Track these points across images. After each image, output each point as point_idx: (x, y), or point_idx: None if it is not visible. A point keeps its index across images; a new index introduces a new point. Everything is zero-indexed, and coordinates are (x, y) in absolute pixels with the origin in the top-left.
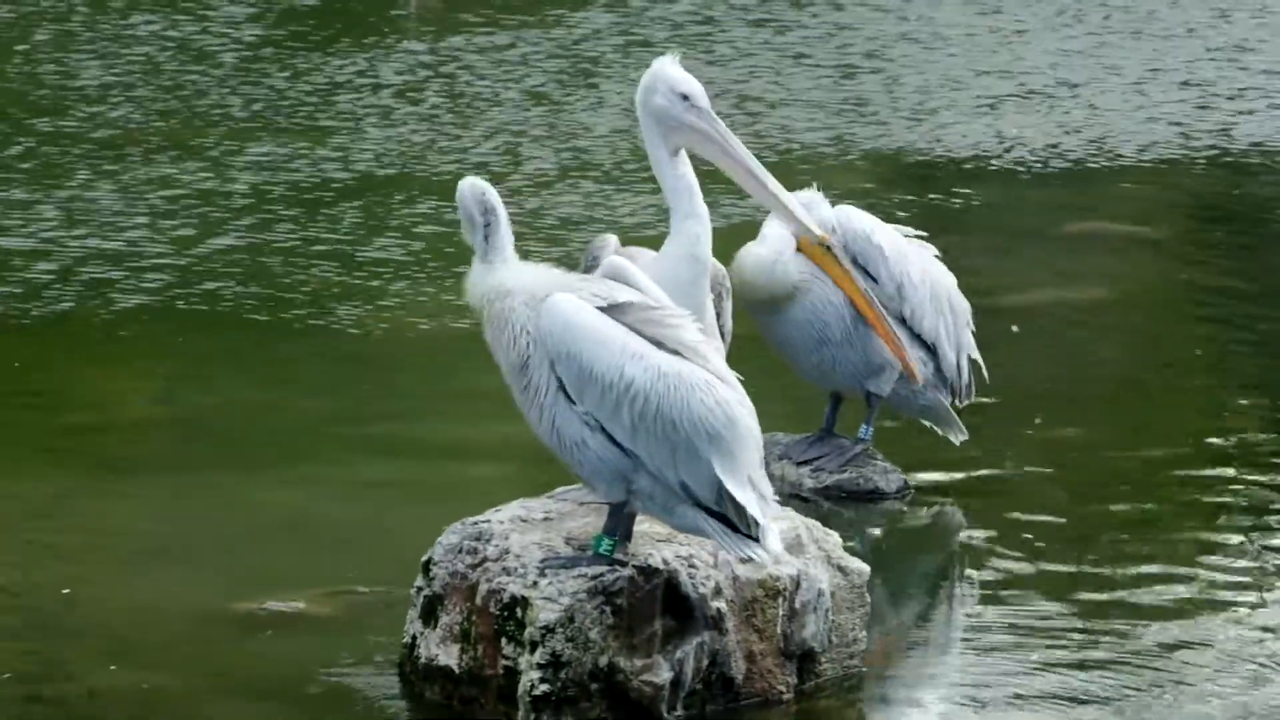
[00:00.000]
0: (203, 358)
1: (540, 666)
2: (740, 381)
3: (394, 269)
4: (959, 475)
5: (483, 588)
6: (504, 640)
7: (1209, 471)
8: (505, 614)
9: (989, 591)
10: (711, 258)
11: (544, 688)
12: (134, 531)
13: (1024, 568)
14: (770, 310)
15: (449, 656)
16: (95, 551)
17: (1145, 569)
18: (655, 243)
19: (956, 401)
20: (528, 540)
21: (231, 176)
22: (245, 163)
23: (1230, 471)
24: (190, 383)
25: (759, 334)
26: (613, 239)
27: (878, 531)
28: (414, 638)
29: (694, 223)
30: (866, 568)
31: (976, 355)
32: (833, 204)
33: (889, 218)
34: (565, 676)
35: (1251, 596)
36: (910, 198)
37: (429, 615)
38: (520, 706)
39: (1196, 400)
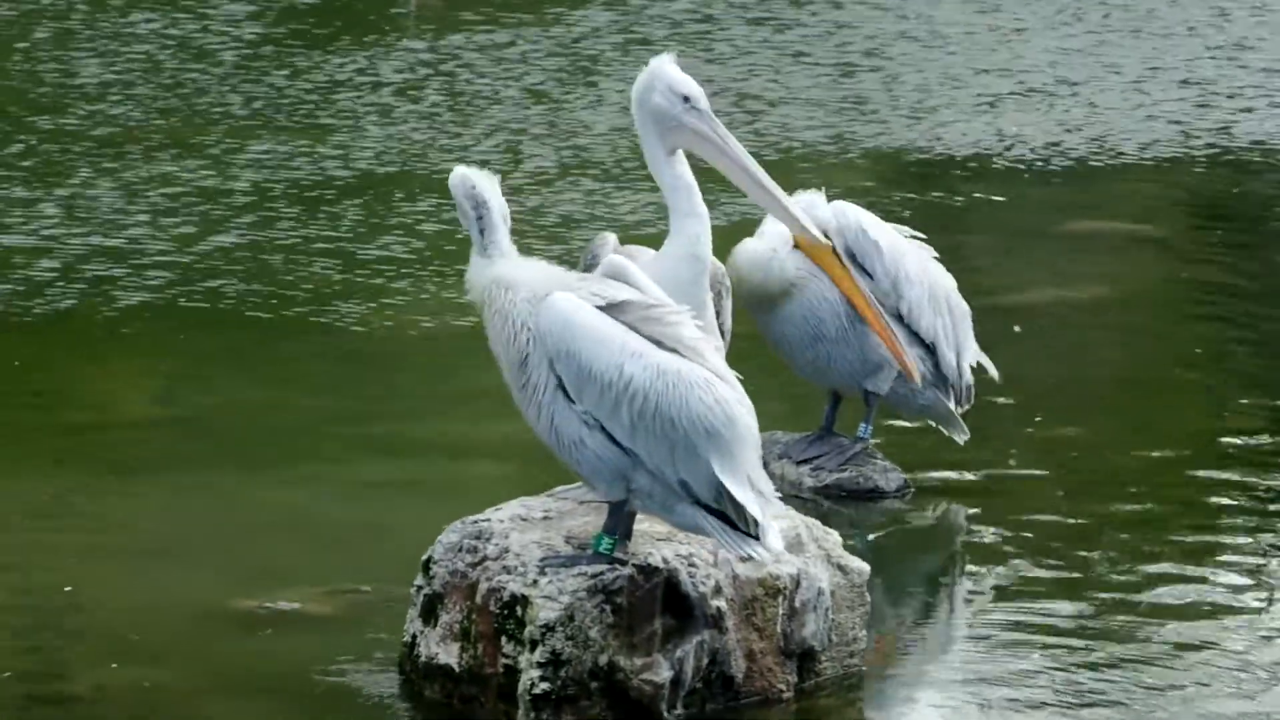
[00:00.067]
0: (203, 356)
1: (540, 665)
2: (740, 380)
3: (395, 267)
4: (959, 474)
5: (483, 586)
6: (504, 639)
7: (1210, 470)
8: (505, 612)
9: (989, 590)
10: (711, 256)
11: (544, 686)
12: (135, 530)
13: (1024, 567)
14: (766, 307)
15: (449, 655)
16: (96, 550)
17: (1146, 568)
18: (656, 241)
19: (957, 405)
20: (528, 539)
21: (232, 174)
22: (246, 161)
23: (1232, 470)
24: (191, 381)
25: (757, 332)
26: (612, 237)
27: (878, 530)
28: (414, 636)
29: (694, 222)
30: (867, 567)
31: (983, 359)
32: (829, 200)
33: (889, 216)
34: (565, 675)
35: (1255, 597)
36: (910, 196)
37: (429, 614)
38: (520, 705)
39: (1198, 399)
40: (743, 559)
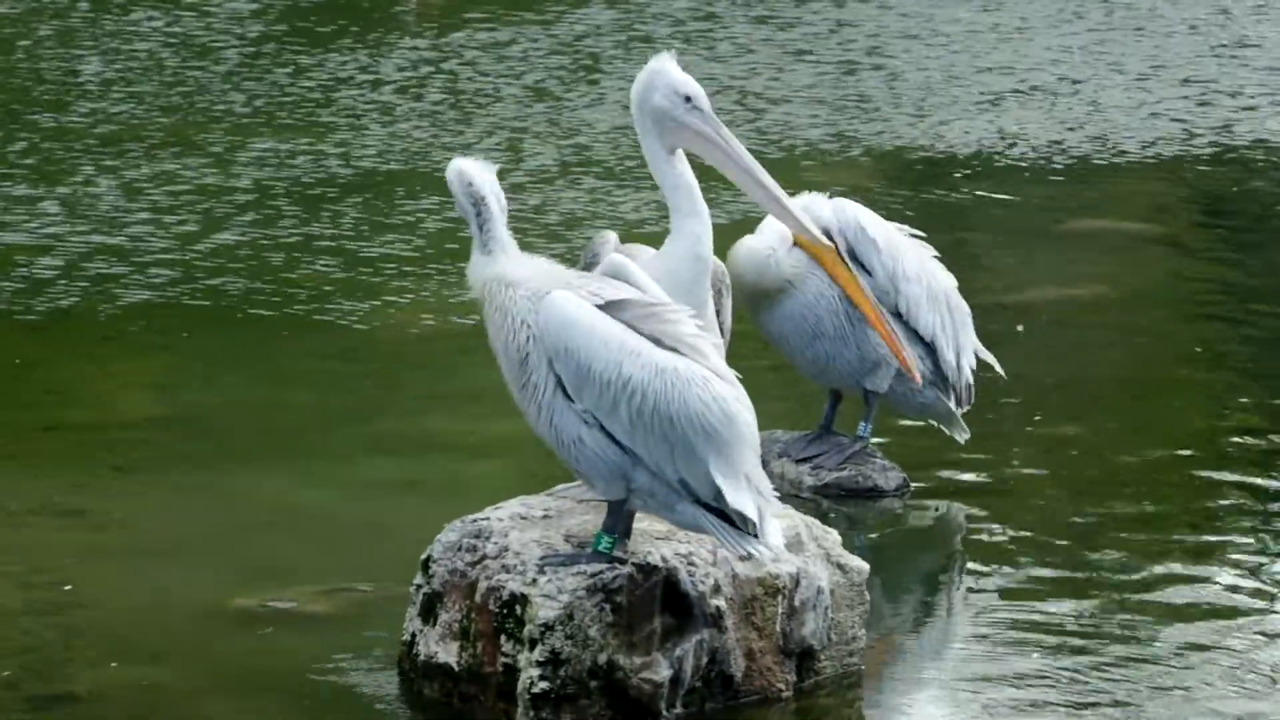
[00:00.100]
0: (204, 354)
1: (539, 664)
2: (739, 379)
3: (396, 266)
4: (959, 473)
5: (482, 585)
6: (503, 638)
7: (1211, 470)
8: (505, 611)
9: (988, 590)
10: (712, 255)
11: (543, 685)
12: (135, 528)
13: (1024, 566)
14: (764, 304)
15: (448, 654)
16: (96, 549)
17: (1146, 568)
18: (657, 239)
19: (958, 405)
20: (527, 538)
21: (234, 172)
22: (248, 159)
23: (1233, 470)
24: (192, 379)
25: (757, 330)
26: (612, 236)
27: (877, 529)
28: (413, 635)
29: (695, 221)
30: (866, 566)
31: (988, 357)
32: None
33: (890, 215)
34: (564, 674)
35: (1256, 596)
36: (912, 194)
37: (428, 613)
38: (519, 704)
39: (1199, 398)
40: (742, 557)
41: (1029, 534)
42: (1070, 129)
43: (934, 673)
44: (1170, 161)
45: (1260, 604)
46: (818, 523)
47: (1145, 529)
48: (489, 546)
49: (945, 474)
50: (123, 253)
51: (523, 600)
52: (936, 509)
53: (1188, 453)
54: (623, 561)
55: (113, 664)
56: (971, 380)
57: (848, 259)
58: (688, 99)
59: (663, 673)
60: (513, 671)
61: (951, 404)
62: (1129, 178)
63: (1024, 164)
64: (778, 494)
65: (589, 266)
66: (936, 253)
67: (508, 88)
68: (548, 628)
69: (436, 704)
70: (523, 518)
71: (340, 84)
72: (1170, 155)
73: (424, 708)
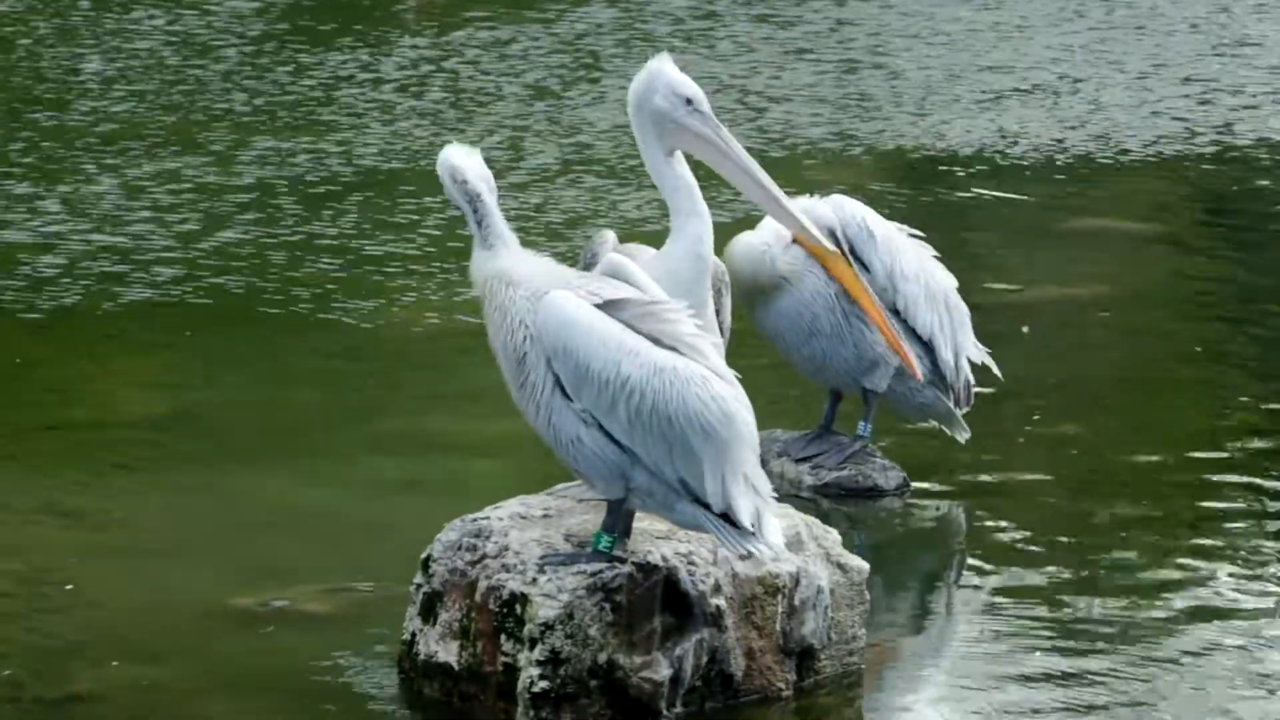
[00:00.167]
0: (206, 353)
1: (539, 663)
2: (738, 378)
3: (398, 264)
4: (958, 472)
5: (482, 584)
6: (503, 637)
7: (1211, 470)
8: (505, 611)
9: (988, 589)
10: (713, 255)
11: (543, 684)
12: (136, 527)
13: (1024, 566)
14: (760, 301)
15: (448, 653)
16: (97, 548)
17: (1146, 568)
18: (658, 237)
19: (957, 405)
20: (527, 537)
21: (235, 171)
22: (249, 158)
23: (1233, 470)
24: (192, 378)
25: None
26: (611, 235)
27: (877, 529)
28: (413, 634)
29: (696, 221)
30: (866, 565)
31: (987, 359)
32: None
33: (892, 213)
34: (564, 673)
35: (1257, 597)
36: (913, 193)
37: (428, 612)
38: (519, 703)
39: (1199, 398)
40: (742, 557)
41: (1029, 534)
42: (1071, 128)
43: (934, 673)
44: (1171, 160)
45: (1262, 605)
46: (818, 522)
47: (1145, 529)
48: (489, 546)
49: (945, 474)
50: (124, 251)
51: (523, 599)
52: (936, 509)
53: (1188, 453)
54: (622, 561)
55: (113, 663)
56: (971, 380)
57: (849, 257)
58: (688, 101)
59: (663, 672)
60: (513, 671)
61: (950, 404)
62: (1130, 177)
63: (1025, 163)
64: (776, 494)
65: (588, 266)
66: (936, 253)
67: (509, 86)
68: (548, 627)
69: (436, 703)
70: (523, 517)
71: (341, 82)
72: (1171, 154)
73: (424, 707)
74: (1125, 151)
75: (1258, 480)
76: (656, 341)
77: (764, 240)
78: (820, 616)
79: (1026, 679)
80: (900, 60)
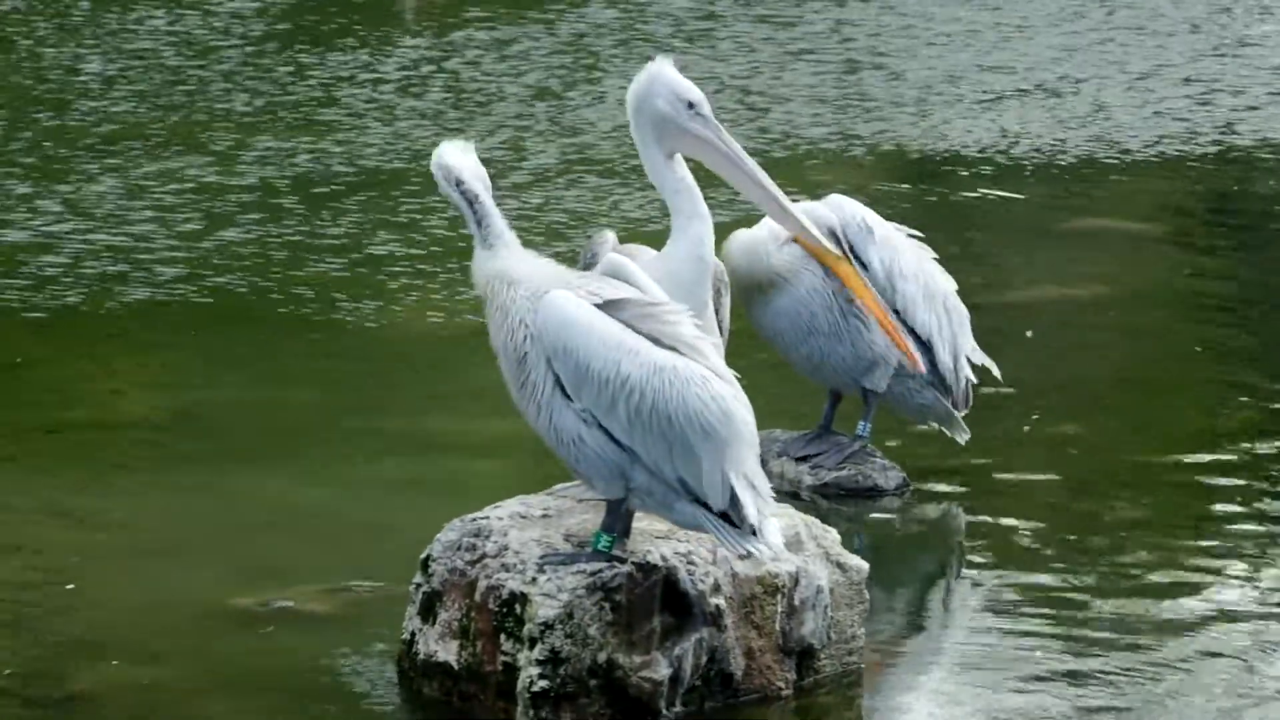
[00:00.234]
0: (207, 353)
1: (539, 663)
2: (738, 378)
3: (398, 264)
4: (958, 472)
5: (482, 584)
6: (503, 636)
7: (1212, 470)
8: (504, 610)
9: (988, 589)
10: (714, 257)
11: (543, 684)
12: (136, 527)
13: (1023, 565)
14: (757, 299)
15: (448, 653)
16: (97, 547)
17: (1146, 568)
18: (660, 237)
19: (956, 407)
20: (527, 537)
21: (236, 171)
22: (250, 157)
23: (1233, 470)
24: (193, 378)
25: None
26: (610, 236)
27: (877, 529)
28: (413, 634)
29: (698, 223)
30: (865, 565)
31: (986, 361)
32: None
33: (892, 213)
34: (564, 673)
35: (1256, 598)
36: (913, 193)
37: (428, 611)
38: (519, 703)
39: (1199, 398)
40: (742, 556)
41: (1029, 534)
42: (1072, 128)
43: (933, 672)
44: (1172, 160)
45: (1262, 607)
46: (817, 522)
47: (1146, 529)
48: (489, 545)
49: (945, 474)
50: (125, 251)
51: (522, 599)
52: (936, 509)
53: (1188, 453)
54: (622, 560)
55: (113, 663)
56: (972, 381)
57: (849, 256)
58: (691, 105)
59: (662, 671)
60: (512, 670)
61: (949, 405)
62: (1131, 177)
63: (1025, 163)
64: (775, 494)
65: (587, 266)
66: (935, 255)
67: (509, 86)
68: (547, 626)
69: (436, 703)
70: (522, 517)
71: (342, 82)
72: (1172, 154)
73: (423, 707)
74: (1126, 152)
75: (1258, 480)
76: (656, 342)
77: (758, 236)
78: (820, 616)
79: (1026, 679)
80: (901, 60)
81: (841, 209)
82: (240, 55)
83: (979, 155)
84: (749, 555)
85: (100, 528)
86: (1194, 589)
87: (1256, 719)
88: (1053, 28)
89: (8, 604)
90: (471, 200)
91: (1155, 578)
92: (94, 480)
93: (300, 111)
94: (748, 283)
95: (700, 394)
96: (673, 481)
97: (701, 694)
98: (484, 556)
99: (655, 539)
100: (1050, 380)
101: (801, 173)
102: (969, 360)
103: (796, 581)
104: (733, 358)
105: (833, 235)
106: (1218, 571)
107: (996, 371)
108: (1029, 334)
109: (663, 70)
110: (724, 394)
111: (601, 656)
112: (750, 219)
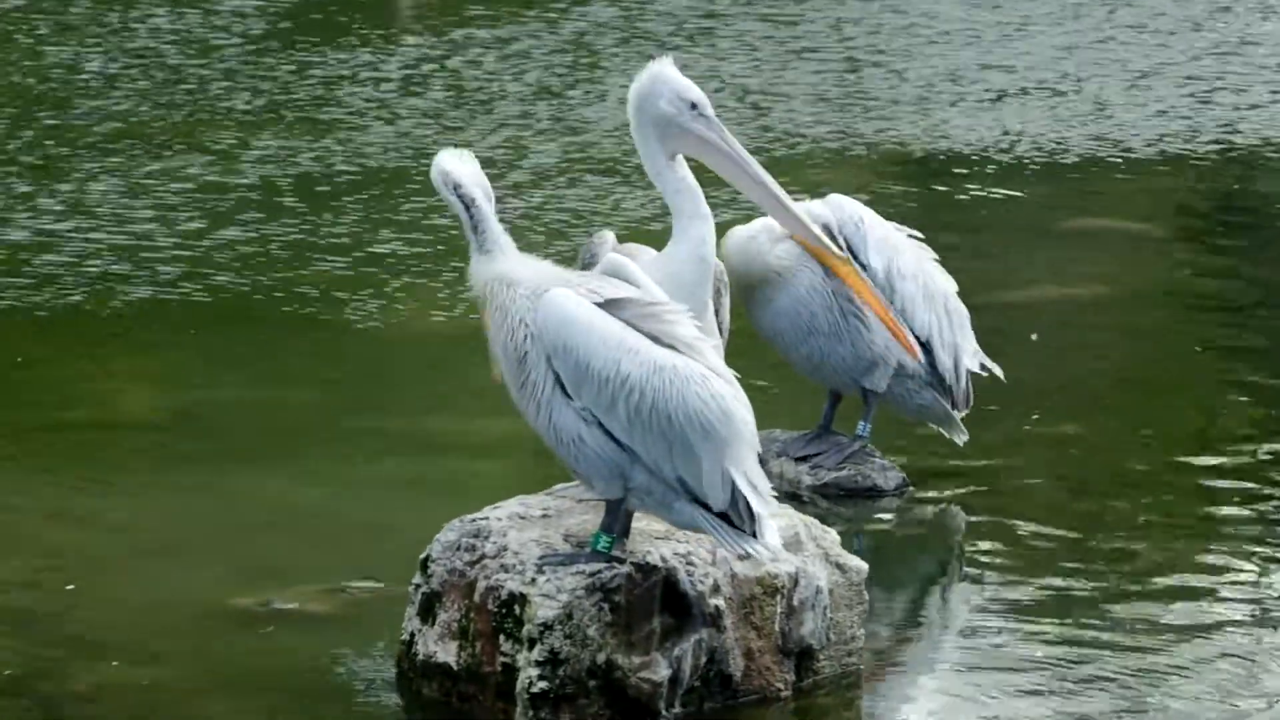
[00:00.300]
0: (207, 352)
1: (538, 663)
2: (737, 378)
3: (399, 263)
4: (958, 473)
5: (481, 585)
6: (502, 637)
7: (1212, 470)
8: (503, 611)
9: (987, 589)
10: (715, 257)
11: (542, 685)
12: (136, 527)
13: (1023, 566)
14: (756, 297)
15: (447, 653)
16: (97, 547)
17: (1146, 569)
18: (660, 236)
19: (955, 409)
20: (526, 537)
21: (237, 170)
22: (251, 156)
23: (1233, 471)
24: (193, 377)
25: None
26: (610, 235)
27: (877, 529)
28: (412, 634)
29: (700, 224)
30: (865, 565)
31: (987, 361)
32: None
33: (892, 212)
34: (563, 673)
35: (1256, 598)
36: (913, 192)
37: (427, 612)
38: (518, 703)
39: (1199, 398)
40: (741, 557)
41: (1028, 534)
42: (1073, 127)
43: (934, 672)
44: (1173, 160)
45: (1262, 607)
46: (816, 522)
47: (1146, 529)
48: (488, 546)
49: (945, 474)
50: (126, 250)
51: (521, 600)
52: (936, 509)
53: (1188, 453)
54: (621, 561)
55: (113, 664)
56: (968, 385)
57: (848, 254)
58: (693, 106)
59: (661, 672)
60: (511, 671)
61: (948, 406)
62: (1132, 176)
63: (1027, 162)
64: (775, 494)
65: (586, 266)
66: (935, 255)
67: (510, 85)
68: (546, 627)
69: (435, 703)
70: (521, 517)
71: (343, 81)
72: (1173, 154)
73: (423, 707)
74: (1127, 151)
75: (1258, 481)
76: (656, 341)
77: (754, 233)
78: (819, 617)
79: (1026, 680)
80: (902, 59)
81: (841, 209)
82: (241, 54)
83: (980, 154)
84: (748, 556)
85: (100, 528)
86: (1195, 589)
87: (1259, 715)
88: (1054, 26)
89: (8, 604)
90: (468, 204)
91: (1156, 578)
92: (94, 480)
93: (302, 110)
94: (745, 280)
95: (700, 393)
96: (672, 481)
97: (701, 695)
98: (483, 557)
99: (654, 539)
100: (1050, 380)
101: (802, 172)
102: (979, 366)
103: (796, 582)
104: (733, 358)
105: (827, 232)
106: (1218, 571)
107: (999, 372)
108: (1034, 337)
109: (664, 70)
110: (724, 393)
111: (601, 657)
112: (750, 219)
